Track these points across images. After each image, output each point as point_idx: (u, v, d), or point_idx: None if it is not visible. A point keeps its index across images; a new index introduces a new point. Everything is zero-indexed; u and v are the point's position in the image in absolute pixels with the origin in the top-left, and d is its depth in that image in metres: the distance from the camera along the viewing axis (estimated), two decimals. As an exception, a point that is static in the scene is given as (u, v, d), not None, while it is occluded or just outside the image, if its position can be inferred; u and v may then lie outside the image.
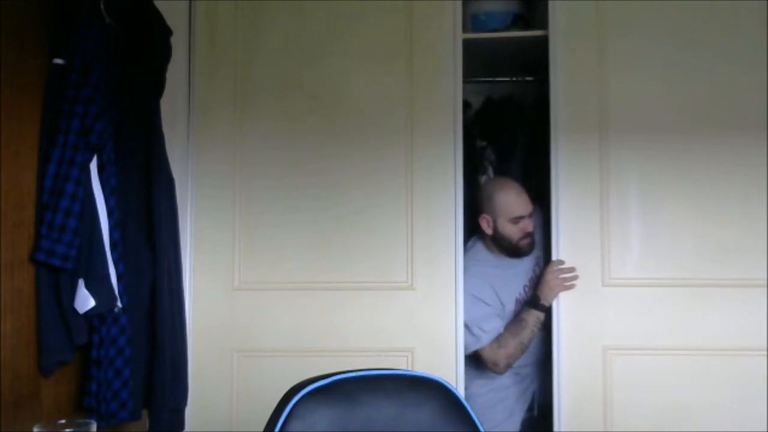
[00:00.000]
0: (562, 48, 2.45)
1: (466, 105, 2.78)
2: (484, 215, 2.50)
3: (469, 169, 2.64)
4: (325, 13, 2.54)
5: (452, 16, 2.51)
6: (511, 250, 2.49)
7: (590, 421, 2.36)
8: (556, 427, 2.37)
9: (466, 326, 2.40)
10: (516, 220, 2.45)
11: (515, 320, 2.46)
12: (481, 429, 1.31)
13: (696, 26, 2.40)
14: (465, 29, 2.56)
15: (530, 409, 2.61)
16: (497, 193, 2.51)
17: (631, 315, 2.37)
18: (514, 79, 2.96)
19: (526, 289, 2.52)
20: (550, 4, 2.47)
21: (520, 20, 2.71)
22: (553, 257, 2.41)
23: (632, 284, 2.38)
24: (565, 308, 2.40)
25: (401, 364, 2.39)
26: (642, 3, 2.41)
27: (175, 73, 2.38)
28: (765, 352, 2.28)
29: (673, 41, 2.41)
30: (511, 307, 2.51)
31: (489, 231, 2.49)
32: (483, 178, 2.81)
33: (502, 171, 2.84)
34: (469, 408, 1.32)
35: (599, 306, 2.39)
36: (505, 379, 2.51)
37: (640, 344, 2.35)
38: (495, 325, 2.45)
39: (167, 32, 2.28)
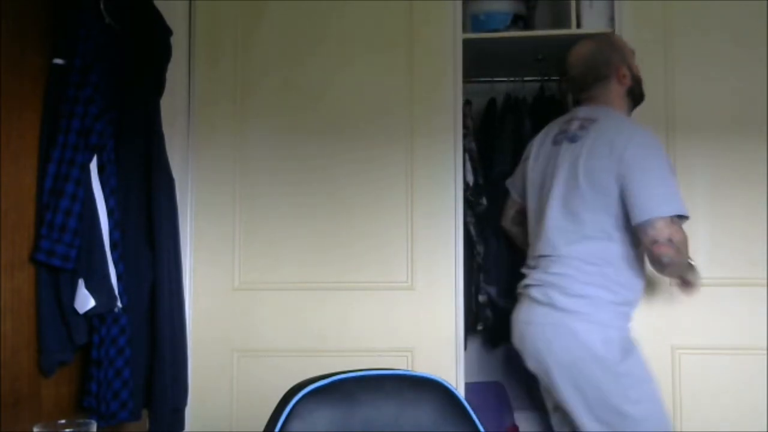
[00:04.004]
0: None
1: (467, 104, 2.78)
2: (619, 66, 2.22)
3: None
4: (324, 13, 2.54)
5: (452, 16, 2.51)
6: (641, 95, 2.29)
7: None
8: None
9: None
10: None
11: None
12: (481, 429, 1.31)
13: (762, 26, 2.40)
14: (465, 29, 2.56)
15: None
16: (624, 45, 2.30)
17: (700, 314, 2.34)
18: (514, 79, 2.96)
19: None
20: (616, 4, 2.47)
21: (520, 20, 2.71)
22: None
23: (703, 284, 2.25)
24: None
25: (401, 364, 2.40)
26: (708, 3, 2.41)
27: (175, 73, 2.39)
28: None
29: (739, 41, 2.41)
30: None
31: (628, 82, 2.23)
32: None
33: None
34: (469, 408, 1.32)
35: (668, 305, 2.36)
36: None
37: (710, 344, 2.34)
38: None
39: (167, 32, 2.28)
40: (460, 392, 1.38)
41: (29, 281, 1.78)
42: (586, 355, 2.01)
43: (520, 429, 2.87)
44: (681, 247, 1.97)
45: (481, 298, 2.78)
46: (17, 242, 1.75)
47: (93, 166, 1.86)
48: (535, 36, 2.64)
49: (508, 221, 2.54)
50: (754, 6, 2.40)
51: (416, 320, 2.45)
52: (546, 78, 2.98)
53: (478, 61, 2.72)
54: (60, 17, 1.87)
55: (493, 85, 3.03)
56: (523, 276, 2.25)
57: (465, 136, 2.60)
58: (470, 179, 2.69)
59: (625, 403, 1.99)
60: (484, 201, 2.74)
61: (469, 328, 2.74)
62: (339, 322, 2.47)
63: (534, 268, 2.18)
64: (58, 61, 1.85)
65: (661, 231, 1.94)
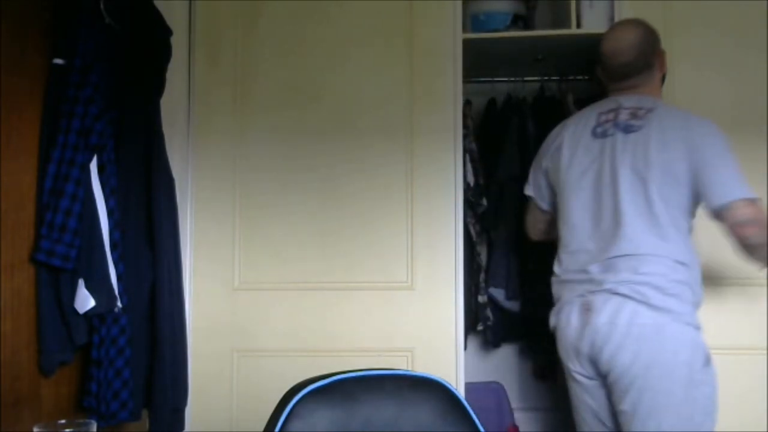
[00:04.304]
0: None
1: (467, 104, 2.78)
2: (660, 53, 2.16)
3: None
4: (324, 13, 2.54)
5: (452, 16, 2.51)
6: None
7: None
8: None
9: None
10: None
11: None
12: (481, 429, 1.31)
13: (762, 26, 2.40)
14: (465, 29, 2.56)
15: None
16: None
17: (701, 314, 2.31)
18: (514, 79, 2.96)
19: None
20: (616, 4, 2.47)
21: (520, 20, 2.71)
22: None
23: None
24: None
25: (401, 364, 2.39)
26: (708, 2, 2.41)
27: (175, 73, 2.39)
28: None
29: (739, 41, 2.41)
30: None
31: (665, 69, 2.20)
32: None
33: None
34: (469, 408, 1.32)
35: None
36: None
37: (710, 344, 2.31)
38: None
39: (167, 32, 2.28)
40: (460, 392, 1.38)
41: (29, 281, 1.78)
42: (671, 359, 1.87)
43: (520, 429, 2.87)
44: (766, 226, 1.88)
45: (481, 298, 2.78)
46: (17, 242, 1.75)
47: (93, 166, 1.86)
48: (535, 36, 2.64)
49: (539, 234, 2.36)
50: (754, 6, 2.40)
51: (416, 320, 2.45)
52: (546, 78, 2.98)
53: (478, 61, 2.72)
54: (60, 17, 1.87)
55: (493, 85, 3.04)
56: (556, 280, 2.10)
57: (465, 136, 2.60)
58: (470, 179, 2.69)
59: (695, 414, 1.87)
60: (484, 201, 2.74)
61: (469, 328, 2.74)
62: (339, 322, 2.47)
63: (608, 270, 1.95)
64: (58, 61, 1.84)
65: (743, 211, 1.87)
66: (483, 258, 2.80)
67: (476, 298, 2.78)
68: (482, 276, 2.80)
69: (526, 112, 2.89)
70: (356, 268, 2.48)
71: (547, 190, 2.22)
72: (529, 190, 2.29)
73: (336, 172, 2.51)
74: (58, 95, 1.83)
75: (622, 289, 1.91)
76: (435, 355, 2.43)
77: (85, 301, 1.80)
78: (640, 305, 1.89)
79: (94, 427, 1.41)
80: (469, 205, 2.70)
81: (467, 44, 2.52)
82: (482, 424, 1.32)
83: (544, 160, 2.20)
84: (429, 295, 2.45)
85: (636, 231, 1.94)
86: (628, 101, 2.07)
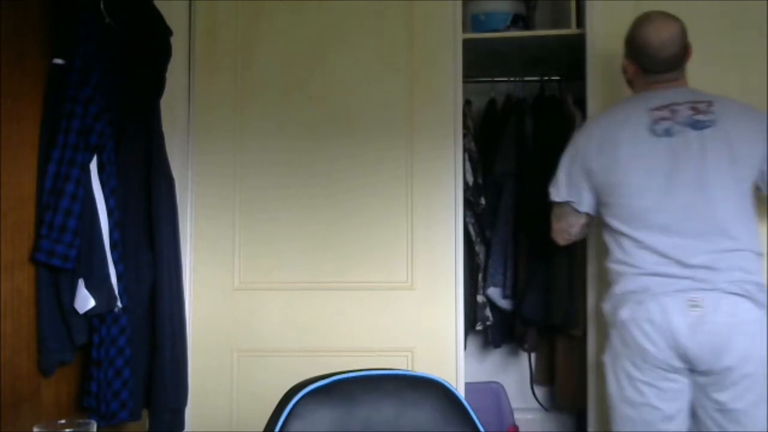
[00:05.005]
0: (600, 47, 2.44)
1: (467, 104, 2.78)
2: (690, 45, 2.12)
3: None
4: (324, 13, 2.54)
5: (452, 16, 2.51)
6: None
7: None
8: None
9: None
10: None
11: None
12: (481, 429, 1.31)
13: (727, 25, 2.40)
14: (465, 29, 2.56)
15: None
16: None
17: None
18: (514, 79, 2.96)
19: None
20: (588, 4, 2.46)
21: (520, 20, 2.71)
22: (589, 269, 2.43)
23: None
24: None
25: (401, 364, 2.39)
26: (678, 3, 2.40)
27: (175, 73, 2.39)
28: None
29: (705, 41, 2.40)
30: None
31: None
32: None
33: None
34: (469, 408, 1.32)
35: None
36: None
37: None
38: None
39: (167, 32, 2.28)
40: (460, 392, 1.38)
41: (29, 281, 1.78)
42: (764, 355, 1.90)
43: (520, 429, 2.87)
44: None
45: (480, 298, 2.78)
46: (17, 242, 1.75)
47: (93, 166, 1.86)
48: (535, 36, 2.64)
49: (572, 238, 2.25)
50: (722, 6, 2.35)
51: (416, 320, 2.45)
52: (546, 78, 2.98)
53: (478, 61, 2.72)
54: (60, 17, 1.87)
55: (493, 85, 3.03)
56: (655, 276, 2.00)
57: (465, 136, 2.60)
58: (470, 179, 2.69)
59: None
60: (484, 201, 2.74)
61: (469, 328, 2.74)
62: (339, 322, 2.47)
63: (713, 267, 1.92)
64: (58, 61, 1.84)
65: None
66: (482, 257, 2.80)
67: (475, 298, 2.78)
68: (481, 275, 2.80)
69: (526, 112, 2.89)
70: (356, 268, 2.48)
71: (589, 192, 2.11)
72: (563, 195, 2.14)
73: (336, 172, 2.51)
74: (58, 95, 1.83)
75: (733, 288, 1.91)
76: (435, 355, 2.43)
77: (85, 301, 1.80)
78: (747, 301, 1.91)
79: (94, 427, 1.42)
80: (468, 204, 2.70)
81: (467, 44, 2.52)
82: (482, 424, 1.32)
83: (588, 161, 2.08)
84: (429, 295, 2.45)
85: (735, 226, 1.95)
86: (678, 96, 2.04)
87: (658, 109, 2.02)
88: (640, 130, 2.02)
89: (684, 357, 1.92)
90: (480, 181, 2.74)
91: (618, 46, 2.28)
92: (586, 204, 2.13)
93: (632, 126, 2.04)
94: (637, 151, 2.02)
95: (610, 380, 2.03)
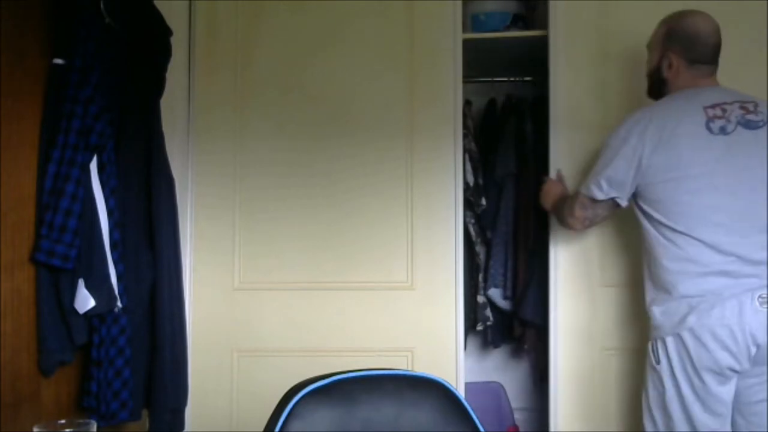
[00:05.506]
0: (563, 48, 2.45)
1: (467, 104, 2.78)
2: None
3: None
4: (324, 13, 2.54)
5: (452, 16, 2.51)
6: None
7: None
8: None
9: None
10: None
11: None
12: (481, 429, 1.31)
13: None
14: (465, 29, 2.56)
15: None
16: None
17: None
18: (514, 79, 2.96)
19: None
20: (551, 4, 2.47)
21: (520, 20, 2.71)
22: (552, 259, 2.43)
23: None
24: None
25: (401, 364, 2.40)
26: (642, 3, 2.41)
27: (175, 73, 2.39)
28: None
29: None
30: None
31: None
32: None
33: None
34: (469, 408, 1.32)
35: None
36: None
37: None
38: None
39: (167, 32, 2.28)
40: (460, 392, 1.38)
41: (29, 281, 1.78)
42: None
43: (520, 429, 2.87)
44: None
45: (480, 298, 2.78)
46: (17, 242, 1.75)
47: (93, 166, 1.86)
48: (535, 36, 2.64)
49: (591, 226, 2.22)
50: (689, 6, 2.33)
51: (416, 320, 2.45)
52: (546, 78, 2.98)
53: (478, 61, 2.72)
54: (60, 17, 1.87)
55: (493, 85, 3.03)
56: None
57: (465, 136, 2.60)
58: (470, 180, 2.69)
59: None
60: (484, 201, 2.74)
61: (469, 328, 2.74)
62: (339, 322, 2.47)
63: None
64: (58, 61, 1.85)
65: None
66: (482, 258, 2.80)
67: (475, 298, 2.78)
68: (481, 276, 2.80)
69: (526, 112, 2.89)
70: (356, 268, 2.48)
71: (633, 188, 2.06)
72: (606, 192, 2.08)
73: (336, 173, 2.51)
74: (58, 95, 1.83)
75: None
76: (435, 355, 2.43)
77: (85, 301, 1.80)
78: None
79: (94, 427, 1.42)
80: (469, 205, 2.70)
81: (467, 44, 2.52)
82: (482, 424, 1.32)
83: (641, 157, 2.02)
84: (429, 295, 2.45)
85: None
86: (725, 95, 2.03)
87: (710, 107, 2.00)
88: (697, 127, 1.99)
89: (756, 355, 1.89)
90: (480, 181, 2.74)
91: (581, 46, 2.32)
92: (627, 198, 2.09)
93: (689, 123, 2.00)
94: (698, 148, 1.98)
95: (667, 388, 1.96)
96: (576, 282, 2.42)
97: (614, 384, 2.39)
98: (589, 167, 2.36)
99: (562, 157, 2.45)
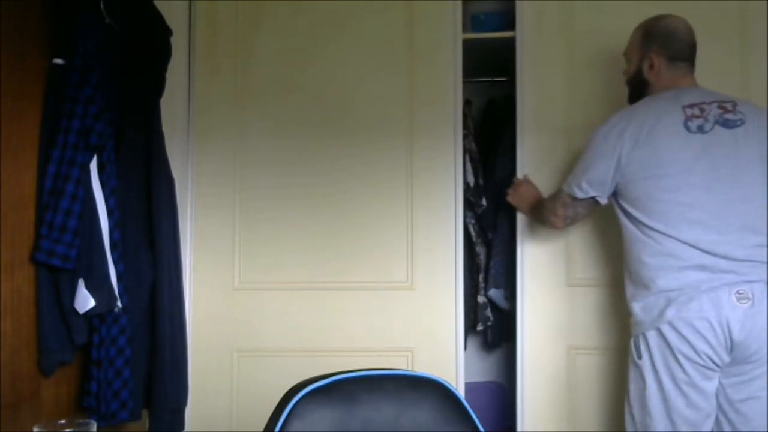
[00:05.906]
0: (530, 48, 2.46)
1: (467, 104, 2.78)
2: None
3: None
4: (324, 13, 2.54)
5: (452, 16, 2.51)
6: None
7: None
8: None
9: None
10: None
11: None
12: (481, 429, 1.31)
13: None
14: (465, 29, 2.56)
15: None
16: None
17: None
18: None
19: None
20: (518, 5, 2.48)
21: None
22: (519, 257, 2.45)
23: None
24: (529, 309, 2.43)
25: (401, 364, 2.40)
26: (607, 3, 2.42)
27: (175, 73, 2.39)
28: None
29: None
30: None
31: None
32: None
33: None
34: (469, 408, 1.32)
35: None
36: None
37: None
38: None
39: (167, 32, 2.29)
40: (460, 392, 1.38)
41: (29, 281, 1.78)
42: None
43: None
44: None
45: (480, 299, 2.77)
46: (17, 242, 1.75)
47: (93, 166, 1.86)
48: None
49: (572, 224, 2.26)
50: (657, 7, 2.29)
51: (416, 320, 2.45)
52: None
53: (478, 61, 2.72)
54: (60, 17, 1.87)
55: (493, 85, 3.03)
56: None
57: (465, 136, 2.60)
58: (470, 180, 2.68)
59: None
60: (484, 202, 2.74)
61: (469, 328, 2.74)
62: (339, 322, 2.47)
63: (754, 259, 1.95)
64: (58, 61, 1.85)
65: None
66: (482, 258, 2.80)
67: (475, 299, 2.77)
68: (482, 276, 2.79)
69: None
70: (356, 268, 2.48)
71: (612, 186, 2.09)
72: (587, 191, 2.10)
73: (336, 173, 2.51)
74: (58, 95, 1.83)
75: None
76: (435, 355, 2.43)
77: (85, 301, 1.80)
78: None
79: (94, 427, 1.42)
80: (469, 205, 2.70)
81: (467, 44, 2.52)
82: (482, 424, 1.32)
83: (621, 156, 2.04)
84: (429, 295, 2.45)
85: (763, 222, 1.97)
86: (704, 95, 2.06)
87: (688, 106, 2.03)
88: (676, 126, 2.02)
89: (733, 349, 1.91)
90: (481, 181, 2.74)
91: (547, 47, 2.36)
92: (607, 197, 2.11)
93: (668, 122, 2.03)
94: (676, 147, 2.01)
95: (648, 383, 1.96)
96: (544, 280, 2.43)
97: (584, 383, 2.40)
98: (557, 168, 2.38)
99: (531, 158, 2.45)
